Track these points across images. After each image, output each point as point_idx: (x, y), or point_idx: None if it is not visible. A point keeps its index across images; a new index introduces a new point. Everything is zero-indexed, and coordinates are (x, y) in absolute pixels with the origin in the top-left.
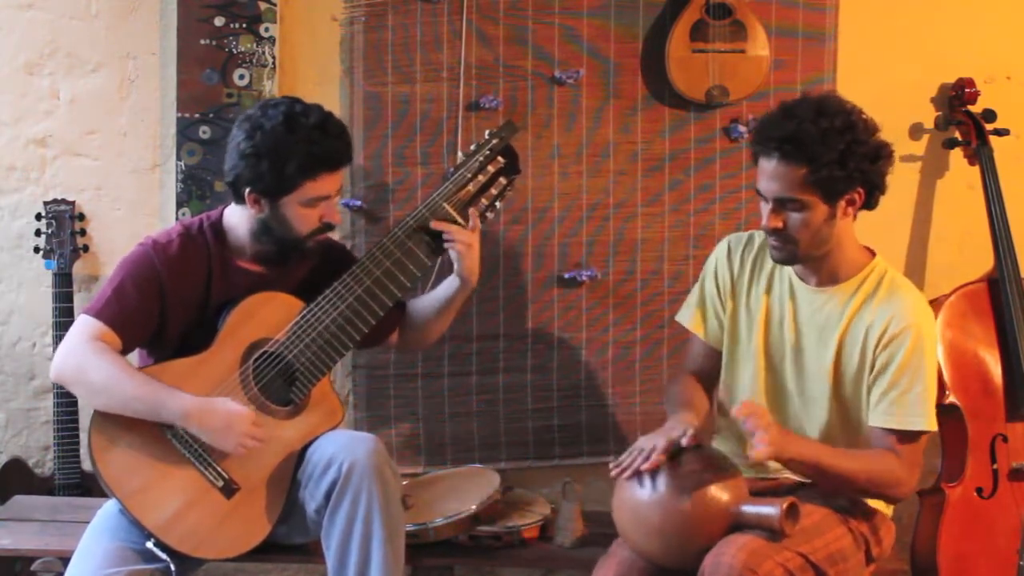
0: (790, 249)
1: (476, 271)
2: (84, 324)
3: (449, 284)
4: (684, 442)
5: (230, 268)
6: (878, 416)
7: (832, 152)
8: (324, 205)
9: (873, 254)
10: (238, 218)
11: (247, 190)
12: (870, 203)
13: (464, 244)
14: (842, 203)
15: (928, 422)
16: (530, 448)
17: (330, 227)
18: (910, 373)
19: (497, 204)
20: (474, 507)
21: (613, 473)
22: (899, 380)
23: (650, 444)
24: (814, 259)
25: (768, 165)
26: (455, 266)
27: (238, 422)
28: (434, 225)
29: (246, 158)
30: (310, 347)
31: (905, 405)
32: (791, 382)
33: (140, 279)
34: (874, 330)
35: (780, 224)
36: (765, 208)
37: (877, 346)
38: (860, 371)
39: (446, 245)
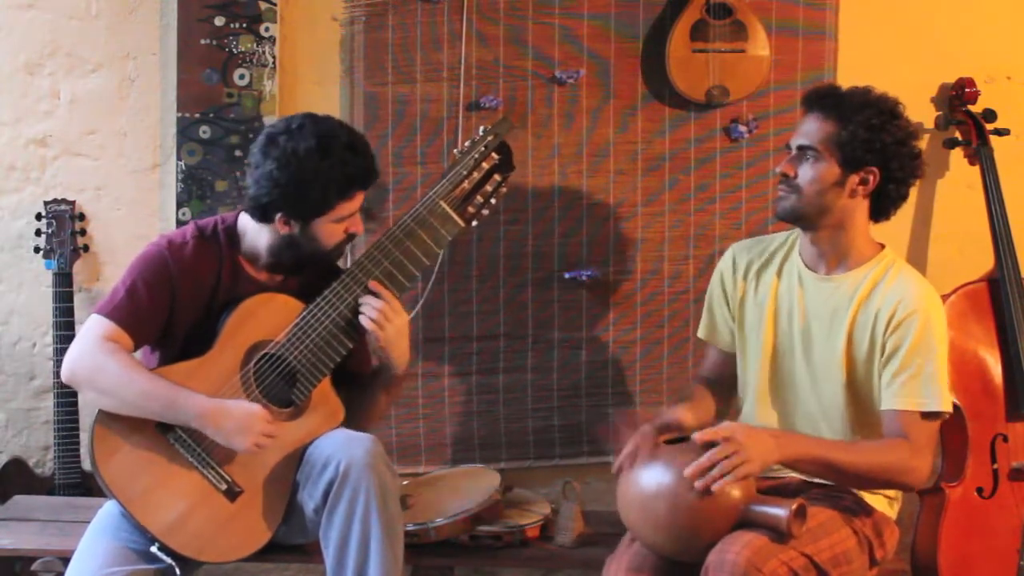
0: (792, 200)
1: (393, 353)
2: (96, 324)
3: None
4: (669, 422)
5: (240, 274)
6: (890, 398)
7: (865, 118)
8: (350, 219)
9: (883, 247)
10: (255, 230)
11: (279, 215)
12: (884, 198)
13: (377, 323)
14: (854, 177)
15: (943, 402)
16: (530, 448)
17: (353, 237)
18: (921, 355)
19: (492, 201)
20: (474, 507)
21: (615, 470)
22: (910, 362)
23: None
24: (817, 229)
25: (805, 120)
26: (370, 342)
27: (253, 422)
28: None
29: (282, 187)
30: (310, 348)
31: (918, 386)
32: (802, 373)
33: (152, 279)
34: (883, 315)
35: (790, 171)
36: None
37: (886, 330)
38: (871, 357)
39: (360, 318)
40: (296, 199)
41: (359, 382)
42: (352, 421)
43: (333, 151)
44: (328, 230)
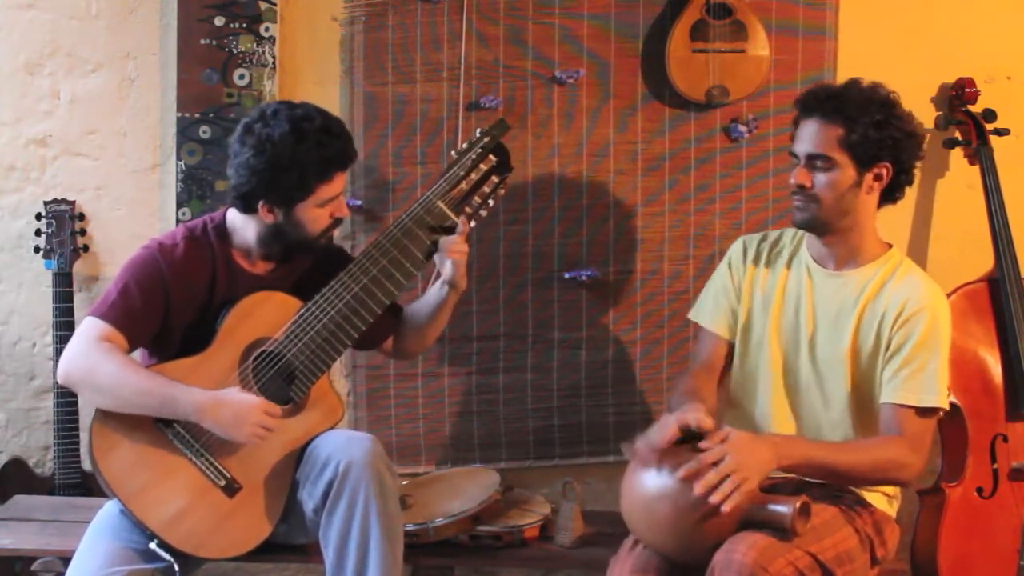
0: (812, 210)
1: (465, 277)
2: (90, 325)
3: (438, 291)
4: (693, 424)
5: (234, 270)
6: (890, 392)
7: (870, 116)
8: (334, 203)
9: (890, 246)
10: (243, 223)
11: (261, 203)
12: (895, 187)
13: (460, 254)
14: (869, 175)
15: (941, 399)
16: (530, 448)
17: (340, 222)
18: (926, 351)
19: (490, 202)
20: (474, 507)
21: (629, 455)
22: (914, 358)
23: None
24: (833, 232)
25: (807, 125)
26: (446, 273)
27: (250, 412)
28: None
29: (260, 173)
30: (308, 345)
31: (919, 382)
32: (807, 368)
33: (145, 281)
34: (890, 312)
35: (807, 182)
36: (795, 170)
37: (894, 326)
38: (875, 353)
39: (442, 254)
40: (275, 184)
41: (418, 312)
42: (422, 342)
43: (308, 134)
44: (312, 215)
